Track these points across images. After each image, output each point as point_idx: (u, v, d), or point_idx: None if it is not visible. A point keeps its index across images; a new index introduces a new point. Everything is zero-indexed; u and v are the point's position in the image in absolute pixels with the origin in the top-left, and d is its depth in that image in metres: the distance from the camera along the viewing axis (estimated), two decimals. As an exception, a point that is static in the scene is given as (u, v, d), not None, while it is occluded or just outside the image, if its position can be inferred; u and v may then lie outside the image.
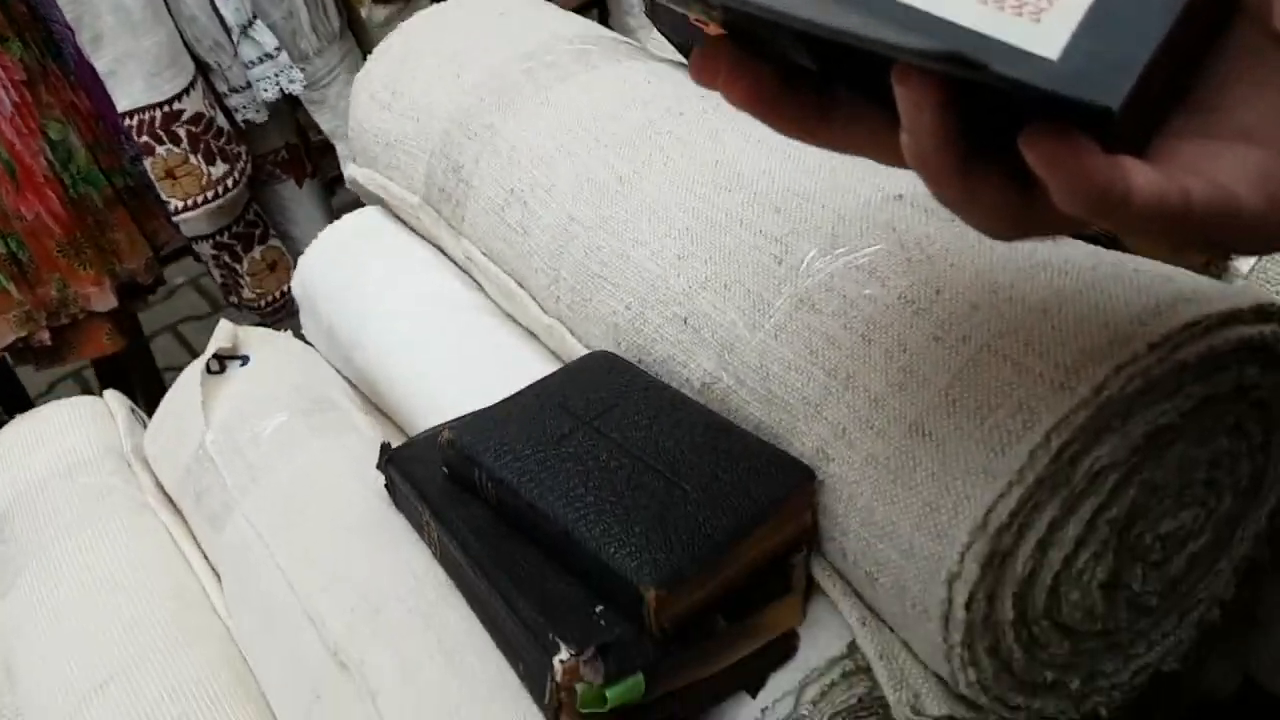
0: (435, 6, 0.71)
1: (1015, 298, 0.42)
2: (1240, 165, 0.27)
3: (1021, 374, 0.40)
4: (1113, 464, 0.39)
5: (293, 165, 1.26)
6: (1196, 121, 0.29)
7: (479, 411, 0.48)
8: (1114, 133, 0.27)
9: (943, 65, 0.24)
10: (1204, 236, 0.28)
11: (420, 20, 0.70)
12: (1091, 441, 0.38)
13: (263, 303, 1.28)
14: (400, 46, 0.69)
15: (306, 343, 0.72)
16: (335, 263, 0.69)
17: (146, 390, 1.37)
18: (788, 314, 0.47)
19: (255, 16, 1.09)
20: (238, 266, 1.25)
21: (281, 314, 1.30)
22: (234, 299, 1.29)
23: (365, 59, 1.26)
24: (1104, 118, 0.27)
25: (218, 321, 0.66)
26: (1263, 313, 0.40)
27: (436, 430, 0.48)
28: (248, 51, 1.09)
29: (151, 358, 1.42)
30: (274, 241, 1.26)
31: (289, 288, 1.31)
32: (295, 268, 1.30)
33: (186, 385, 0.58)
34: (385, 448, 0.50)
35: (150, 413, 0.64)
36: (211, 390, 0.57)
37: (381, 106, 0.68)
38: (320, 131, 1.24)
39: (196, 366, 0.59)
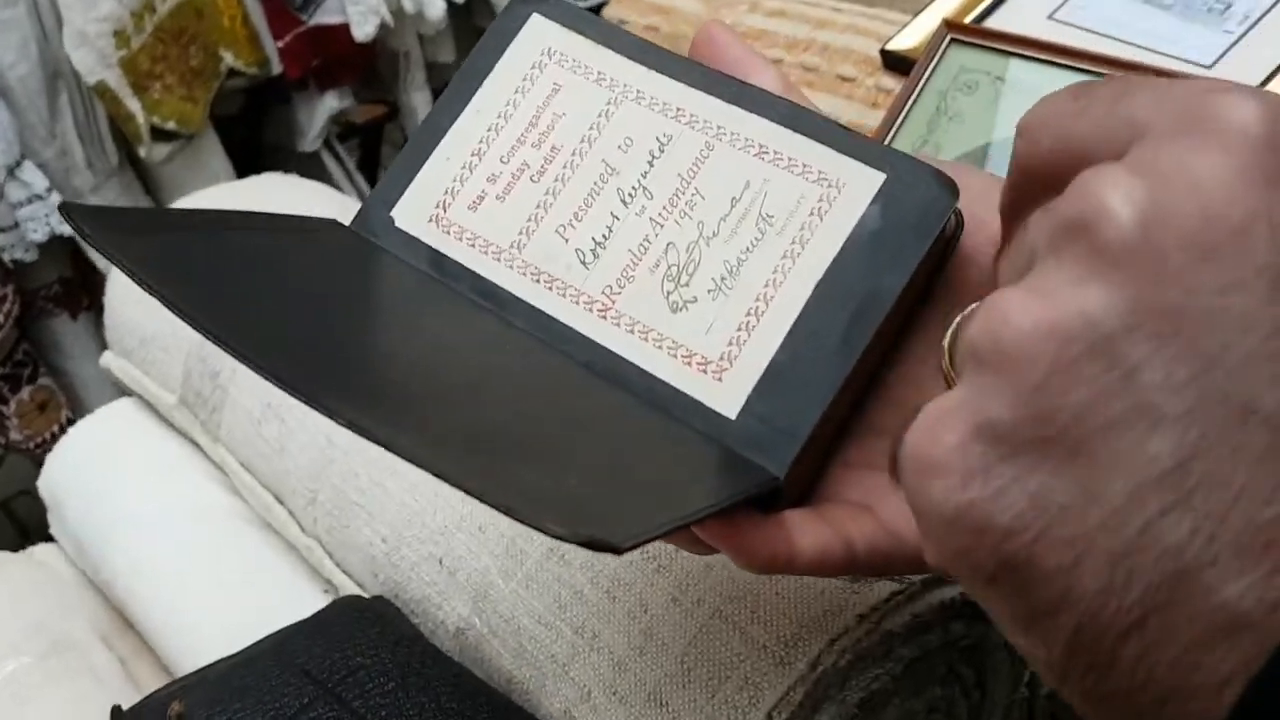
0: (198, 196, 0.70)
1: (746, 558, 0.44)
2: (902, 500, 0.29)
3: (748, 645, 0.41)
4: (832, 732, 0.41)
5: (67, 299, 1.20)
6: (867, 448, 0.31)
7: (214, 673, 0.46)
8: (781, 493, 0.29)
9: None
10: (874, 574, 0.30)
11: (187, 205, 0.69)
12: (810, 713, 0.40)
13: (32, 444, 1.20)
14: (161, 238, 0.67)
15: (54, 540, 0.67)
16: (85, 463, 0.66)
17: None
18: (539, 563, 0.47)
19: (24, 156, 1.04)
20: (4, 409, 1.17)
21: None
22: (0, 441, 1.20)
23: (146, 194, 1.22)
24: (772, 487, 0.28)
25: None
26: (966, 572, 0.43)
27: (169, 692, 0.46)
28: (15, 193, 1.04)
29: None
30: (44, 380, 1.19)
31: (61, 425, 1.24)
32: (67, 405, 1.25)
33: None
34: (115, 712, 0.47)
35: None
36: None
37: (140, 299, 0.66)
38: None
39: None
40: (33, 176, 1.04)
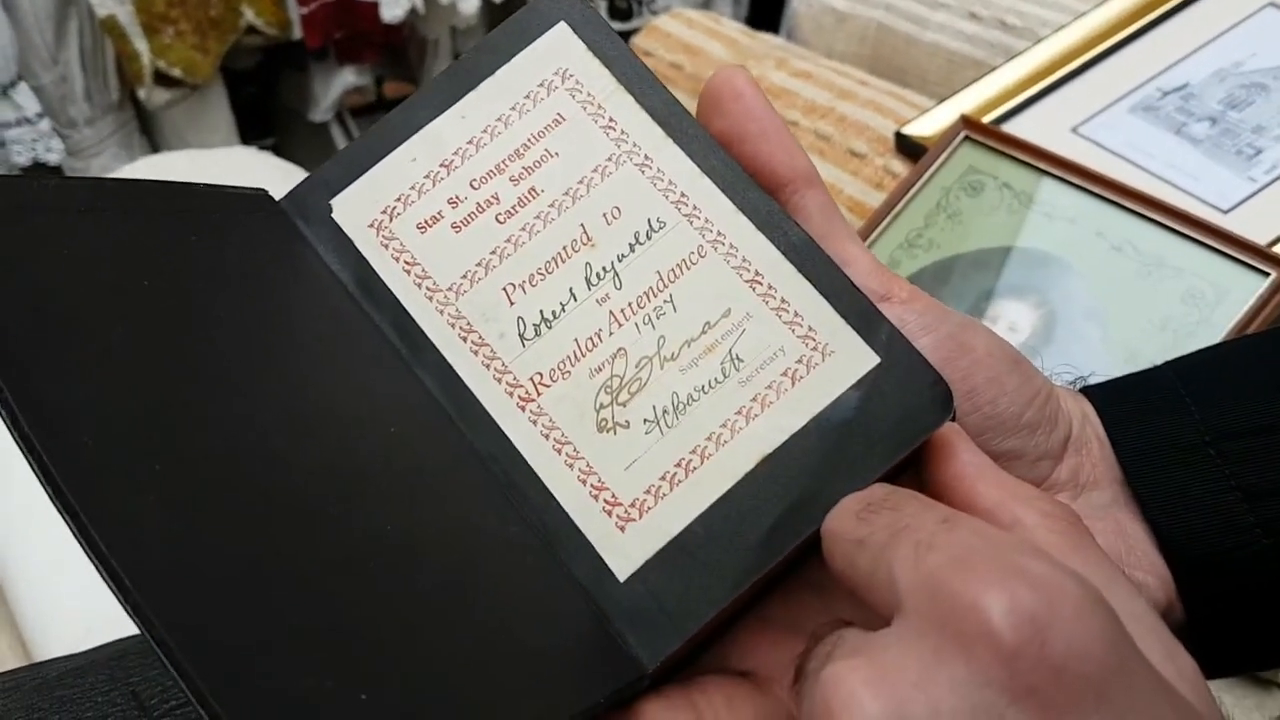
0: (164, 158, 0.67)
1: None
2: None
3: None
4: None
5: (45, 227, 1.17)
6: (794, 604, 0.27)
7: (40, 676, 0.43)
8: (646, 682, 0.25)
9: None
10: None
11: (145, 169, 0.66)
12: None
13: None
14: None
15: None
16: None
17: None
18: None
19: (21, 77, 1.01)
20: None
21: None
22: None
23: (143, 135, 1.20)
24: (636, 683, 0.25)
25: None
26: None
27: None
28: (4, 112, 1.01)
29: None
30: (5, 305, 1.17)
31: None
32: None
33: None
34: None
35: None
36: None
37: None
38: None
39: None
40: (25, 99, 1.02)
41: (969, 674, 0.17)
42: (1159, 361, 0.65)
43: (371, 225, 0.30)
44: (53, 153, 1.05)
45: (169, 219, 0.29)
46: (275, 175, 0.67)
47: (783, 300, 0.27)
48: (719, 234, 0.28)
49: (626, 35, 1.26)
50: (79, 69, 1.06)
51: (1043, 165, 0.68)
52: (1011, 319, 0.65)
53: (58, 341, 0.23)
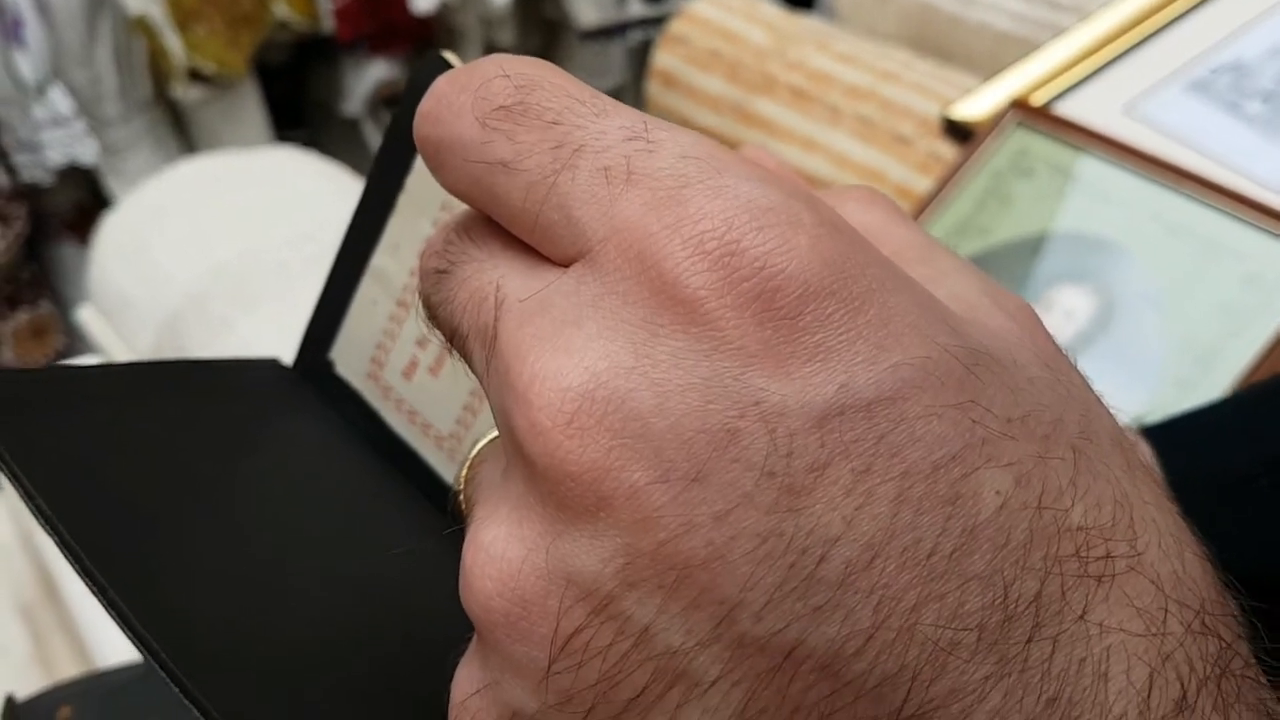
0: (207, 159, 0.67)
1: None
2: None
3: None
4: None
5: (79, 226, 1.18)
6: None
7: (111, 683, 0.43)
8: None
9: None
10: None
11: (189, 170, 0.66)
12: None
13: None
14: (158, 196, 0.65)
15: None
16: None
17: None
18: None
19: (55, 77, 1.01)
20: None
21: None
22: (-10, 359, 1.19)
23: (175, 132, 1.20)
24: None
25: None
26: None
27: (62, 695, 0.43)
28: (39, 113, 1.01)
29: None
30: (45, 307, 1.17)
31: (57, 352, 1.22)
32: (65, 332, 1.23)
33: None
34: (9, 702, 0.44)
35: None
36: None
37: (124, 258, 0.63)
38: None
39: None
40: (59, 99, 1.02)
41: (689, 345, 0.13)
42: (1219, 345, 0.63)
43: (369, 376, 0.28)
44: (87, 154, 1.05)
45: (183, 400, 0.26)
46: (317, 177, 0.66)
47: None
48: None
49: (659, 20, 1.24)
50: (111, 67, 1.06)
51: (1096, 149, 0.67)
52: (1068, 305, 0.64)
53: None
